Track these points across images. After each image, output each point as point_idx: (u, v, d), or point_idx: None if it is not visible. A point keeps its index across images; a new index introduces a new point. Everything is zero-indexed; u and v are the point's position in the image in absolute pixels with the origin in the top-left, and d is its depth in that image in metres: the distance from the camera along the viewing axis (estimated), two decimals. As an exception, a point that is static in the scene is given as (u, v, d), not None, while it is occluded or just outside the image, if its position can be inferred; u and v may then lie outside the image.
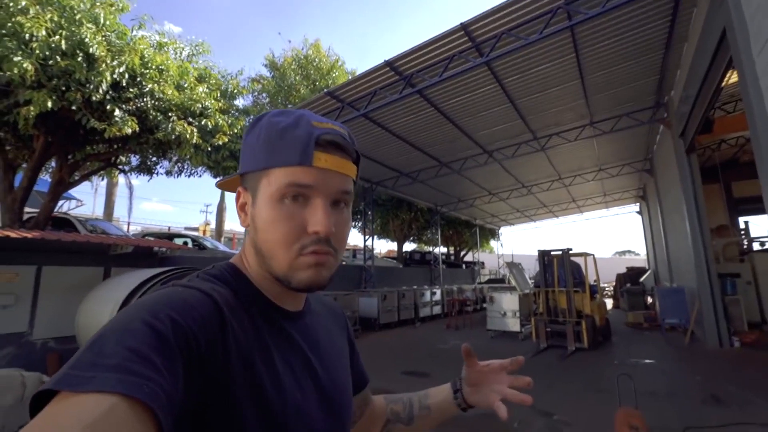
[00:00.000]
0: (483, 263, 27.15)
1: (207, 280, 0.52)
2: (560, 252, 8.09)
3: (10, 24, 4.85)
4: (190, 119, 7.25)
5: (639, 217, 19.32)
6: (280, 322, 0.55)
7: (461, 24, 5.84)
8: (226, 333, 0.45)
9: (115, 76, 5.70)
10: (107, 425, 0.31)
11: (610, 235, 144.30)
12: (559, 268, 7.98)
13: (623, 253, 57.57)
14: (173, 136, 6.66)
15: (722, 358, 6.21)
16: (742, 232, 13.68)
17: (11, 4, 4.98)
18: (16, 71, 4.69)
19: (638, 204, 19.06)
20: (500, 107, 8.40)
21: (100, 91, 5.54)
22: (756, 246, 12.51)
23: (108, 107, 5.69)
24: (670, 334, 8.62)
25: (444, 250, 22.58)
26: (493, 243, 27.77)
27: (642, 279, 15.45)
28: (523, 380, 0.77)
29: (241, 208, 0.57)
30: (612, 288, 19.96)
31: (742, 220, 14.83)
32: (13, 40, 4.83)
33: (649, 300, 13.06)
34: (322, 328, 0.64)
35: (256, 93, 12.07)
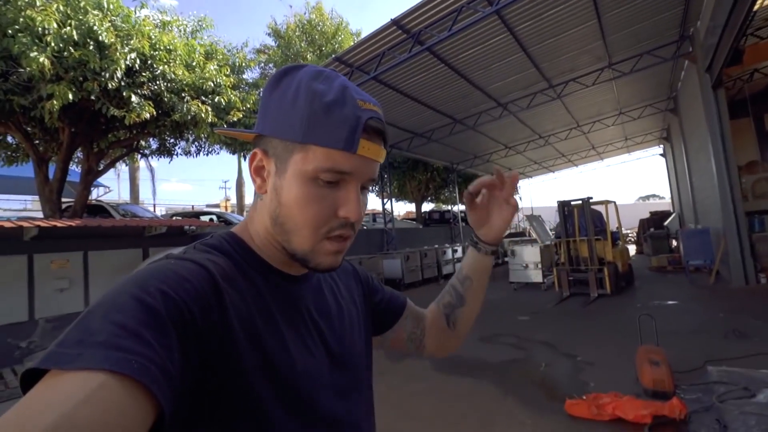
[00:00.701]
0: (502, 218, 26.98)
1: (203, 251, 0.51)
2: (580, 201, 8.05)
3: (21, 19, 4.92)
4: (203, 98, 7.33)
5: (663, 159, 18.70)
6: (283, 286, 0.55)
7: (468, -28, 5.58)
8: (223, 303, 0.44)
9: (127, 62, 5.78)
10: (93, 404, 0.30)
11: (633, 181, 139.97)
12: (580, 218, 7.98)
13: (647, 197, 56.10)
14: (189, 117, 6.79)
15: (747, 295, 6.25)
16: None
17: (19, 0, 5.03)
18: (35, 66, 4.83)
19: (662, 146, 18.38)
20: (513, 57, 8.10)
21: (115, 78, 5.64)
22: (788, 180, 12.03)
23: (124, 94, 5.82)
24: (695, 276, 8.64)
25: (463, 207, 22.52)
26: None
27: (666, 222, 15.23)
28: (512, 174, 0.75)
29: (257, 172, 0.53)
30: (635, 234, 19.75)
31: (773, 153, 14.15)
32: (27, 35, 4.92)
33: (674, 243, 12.94)
34: (327, 289, 0.63)
35: (262, 64, 11.93)
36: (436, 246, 13.12)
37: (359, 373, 0.62)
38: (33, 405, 0.30)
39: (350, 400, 0.58)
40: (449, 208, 19.64)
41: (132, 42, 5.85)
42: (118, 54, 5.62)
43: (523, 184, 26.54)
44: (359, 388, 0.61)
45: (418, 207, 20.17)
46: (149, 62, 6.34)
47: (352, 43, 10.14)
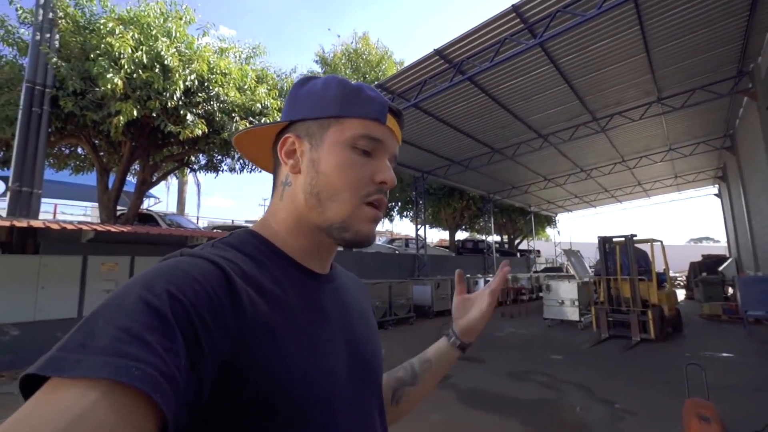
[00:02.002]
0: (539, 251, 26.14)
1: (218, 248, 0.49)
2: (623, 238, 7.66)
3: (102, 45, 5.52)
4: (252, 118, 7.78)
5: (718, 200, 17.53)
6: (307, 283, 0.53)
7: (512, 5, 5.67)
8: (238, 303, 0.42)
9: (187, 83, 6.28)
10: (90, 419, 0.29)
11: (683, 221, 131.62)
12: (622, 256, 7.57)
13: (699, 240, 52.45)
14: (237, 135, 7.20)
15: (817, 354, 5.60)
16: None
17: (102, 28, 5.66)
18: (109, 86, 5.36)
19: (717, 185, 17.28)
20: (555, 89, 8.05)
21: (175, 98, 6.13)
22: None
23: (181, 112, 6.29)
24: (754, 328, 7.87)
25: (498, 238, 22.09)
26: (549, 230, 26.64)
27: (721, 268, 14.06)
28: (503, 268, 0.75)
29: (288, 155, 0.55)
30: (685, 278, 18.38)
31: None
32: (106, 59, 5.50)
33: (730, 291, 11.90)
34: (348, 294, 0.62)
35: (308, 89, 12.57)
36: (468, 276, 12.82)
37: (379, 379, 0.61)
38: (27, 420, 0.29)
39: (370, 403, 0.56)
40: (483, 238, 19.25)
41: (192, 66, 6.37)
42: (178, 75, 6.14)
43: (562, 218, 25.64)
44: (378, 393, 0.59)
45: (452, 235, 19.92)
46: (206, 84, 6.86)
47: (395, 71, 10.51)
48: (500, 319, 9.93)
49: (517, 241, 24.16)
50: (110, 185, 7.75)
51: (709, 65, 7.52)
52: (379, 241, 17.32)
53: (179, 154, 8.52)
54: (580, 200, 20.29)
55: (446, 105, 8.62)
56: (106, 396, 0.30)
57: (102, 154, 7.78)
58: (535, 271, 19.13)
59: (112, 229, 5.24)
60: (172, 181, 18.20)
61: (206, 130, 6.75)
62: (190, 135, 6.54)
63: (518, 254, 22.57)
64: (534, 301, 13.35)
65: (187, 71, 6.26)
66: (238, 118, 7.39)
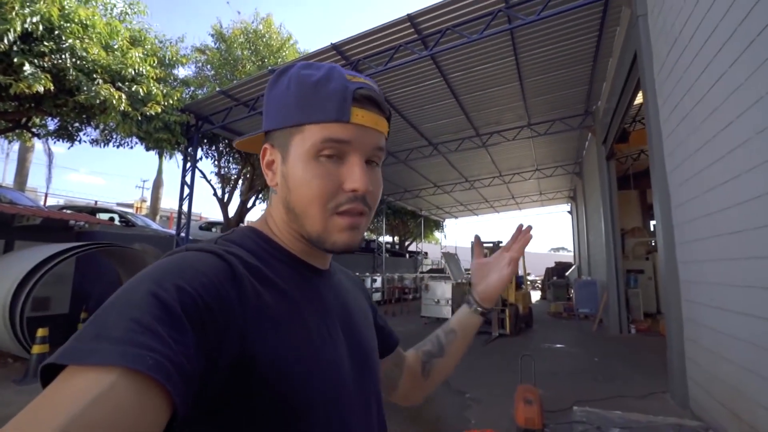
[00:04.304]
0: (426, 253, 28.00)
1: (221, 244, 0.49)
2: (492, 244, 8.59)
3: None
4: (119, 84, 6.70)
5: (569, 216, 20.91)
6: (308, 277, 0.55)
7: (408, 15, 5.90)
8: (243, 295, 0.43)
9: (26, 25, 5.12)
10: (104, 404, 0.30)
11: (546, 232, 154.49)
12: (490, 259, 8.47)
13: (558, 249, 61.93)
14: (97, 101, 6.12)
15: (620, 343, 7.00)
16: (651, 234, 15.34)
17: None
18: None
19: (569, 204, 20.60)
20: (445, 101, 8.65)
21: (6, 40, 4.94)
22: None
23: (15, 60, 5.10)
24: (583, 322, 9.53)
25: (389, 239, 22.97)
26: (438, 234, 28.67)
27: (567, 273, 16.86)
28: (525, 235, 0.80)
29: (268, 167, 0.55)
30: (541, 281, 21.52)
31: (652, 223, 16.58)
32: None
33: (571, 292, 14.30)
34: (346, 289, 0.64)
35: (200, 64, 11.35)
36: (357, 274, 13.03)
37: (378, 373, 0.62)
38: (45, 405, 0.30)
39: (370, 394, 0.57)
40: (375, 237, 19.84)
41: (37, 5, 5.21)
42: (15, 14, 4.96)
43: (450, 224, 27.89)
44: (377, 387, 0.60)
45: (347, 233, 20.01)
46: (56, 33, 5.68)
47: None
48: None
49: (407, 243, 25.44)
50: None
51: (567, 101, 8.88)
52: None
53: (14, 113, 6.91)
54: (465, 208, 22.26)
55: (345, 102, 8.58)
56: (119, 382, 0.31)
57: None
58: (421, 272, 20.38)
59: None
60: (11, 147, 14.76)
61: (52, 87, 5.59)
62: (28, 90, 5.34)
63: (407, 255, 23.84)
64: (417, 300, 14.19)
65: (27, 11, 5.09)
66: (101, 81, 6.28)
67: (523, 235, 0.81)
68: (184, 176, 9.17)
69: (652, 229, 15.99)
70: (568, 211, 21.24)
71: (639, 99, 6.13)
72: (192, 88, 9.68)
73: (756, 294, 2.64)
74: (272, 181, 0.55)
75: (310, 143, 0.49)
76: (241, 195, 11.64)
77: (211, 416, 0.40)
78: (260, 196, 12.04)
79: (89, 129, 9.09)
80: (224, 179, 11.64)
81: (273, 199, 0.57)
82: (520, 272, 9.41)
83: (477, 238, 0.85)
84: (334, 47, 6.55)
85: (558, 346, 6.95)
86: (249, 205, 11.79)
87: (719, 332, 3.14)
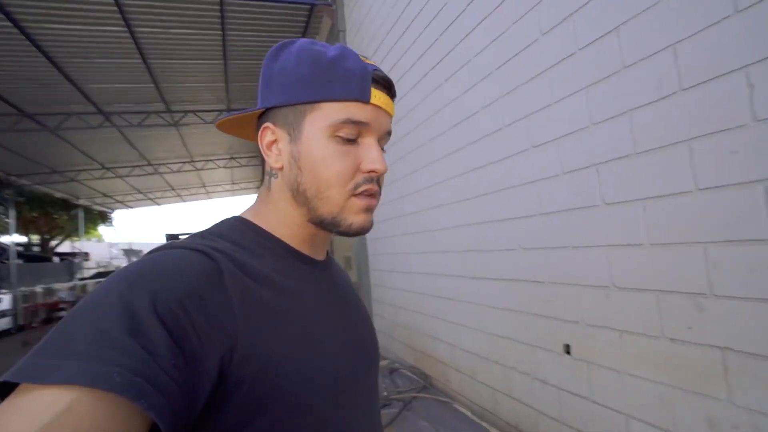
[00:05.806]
0: (87, 254, 21.93)
1: (207, 239, 0.46)
2: (188, 235, 7.74)
3: None
4: None
5: (259, 206, 22.05)
6: (304, 268, 0.52)
7: None
8: (233, 295, 0.40)
9: None
10: (61, 427, 0.26)
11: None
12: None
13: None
14: None
15: None
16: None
17: None
18: None
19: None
20: (128, 60, 6.86)
21: None
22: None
23: None
24: None
25: (23, 239, 16.41)
26: (103, 229, 22.98)
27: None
28: None
29: (269, 147, 0.52)
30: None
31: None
32: None
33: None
34: (342, 282, 0.62)
35: None
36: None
37: (377, 365, 0.61)
38: None
39: (370, 389, 0.56)
40: (-4, 237, 13.53)
41: None
42: None
43: (120, 215, 22.93)
44: (376, 379, 0.60)
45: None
46: None
47: None
48: (20, 353, 7.10)
49: (55, 243, 18.99)
50: None
51: (267, 93, 9.16)
52: None
53: None
54: (144, 196, 18.89)
55: (-71, 14, 5.16)
56: (83, 401, 0.27)
57: None
58: (82, 278, 15.96)
59: None
60: None
61: None
62: None
63: (57, 258, 17.97)
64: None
65: None
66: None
67: None
68: None
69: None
70: (259, 202, 22.36)
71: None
72: None
73: (402, 270, 3.68)
74: (277, 162, 0.51)
75: (328, 122, 0.48)
76: None
77: (211, 416, 0.37)
78: None
79: None
80: None
81: (273, 185, 0.53)
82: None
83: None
84: None
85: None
86: None
87: (396, 289, 4.17)
